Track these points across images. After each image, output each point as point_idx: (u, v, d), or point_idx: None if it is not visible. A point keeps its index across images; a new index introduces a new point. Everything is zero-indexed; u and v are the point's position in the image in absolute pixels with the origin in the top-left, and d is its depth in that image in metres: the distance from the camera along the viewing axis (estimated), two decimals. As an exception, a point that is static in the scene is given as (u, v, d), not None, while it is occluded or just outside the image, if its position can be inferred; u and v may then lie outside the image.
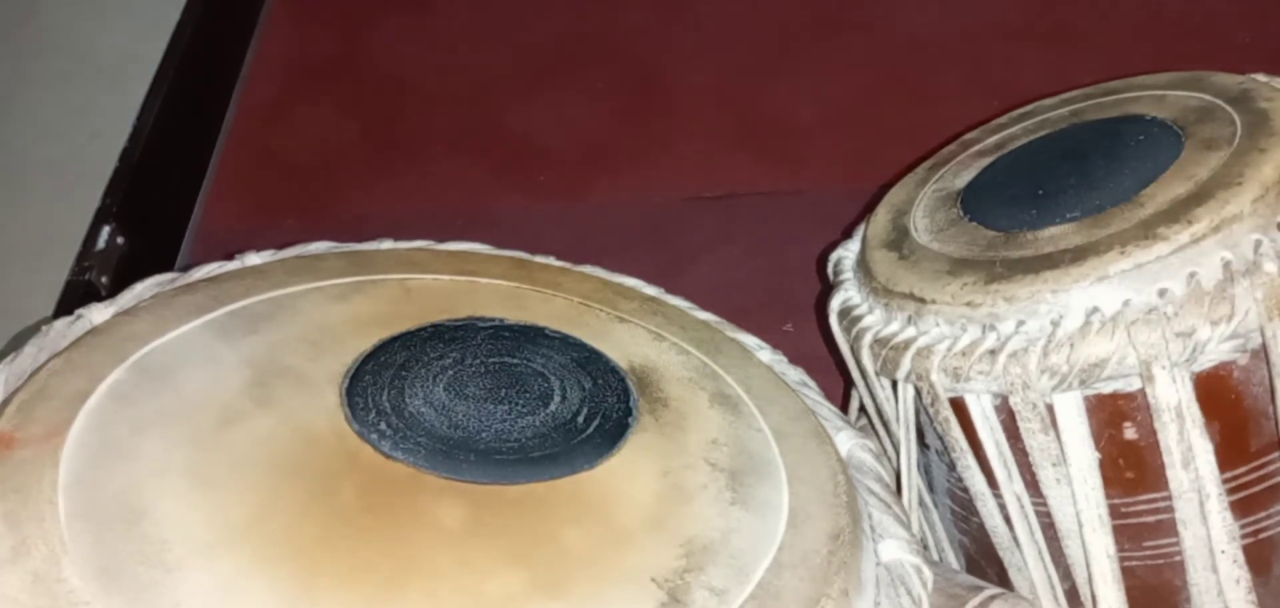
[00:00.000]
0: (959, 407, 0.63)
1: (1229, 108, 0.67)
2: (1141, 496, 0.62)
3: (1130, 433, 0.61)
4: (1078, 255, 0.61)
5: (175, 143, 1.17)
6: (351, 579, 0.46)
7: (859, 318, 0.69)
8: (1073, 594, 0.64)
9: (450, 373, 0.57)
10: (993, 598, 0.61)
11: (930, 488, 0.72)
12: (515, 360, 0.59)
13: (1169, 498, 0.60)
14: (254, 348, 0.56)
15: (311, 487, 0.49)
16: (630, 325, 0.65)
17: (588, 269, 0.71)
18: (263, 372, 0.55)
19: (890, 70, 1.18)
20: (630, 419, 0.57)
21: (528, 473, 0.52)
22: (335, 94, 1.24)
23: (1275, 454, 0.61)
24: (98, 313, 0.58)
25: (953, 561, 0.73)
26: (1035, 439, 0.61)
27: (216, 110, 1.24)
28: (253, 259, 0.65)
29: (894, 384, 0.67)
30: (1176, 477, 0.60)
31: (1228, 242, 0.58)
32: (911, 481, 0.69)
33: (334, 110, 1.23)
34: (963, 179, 0.74)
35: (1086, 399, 0.60)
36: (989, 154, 0.75)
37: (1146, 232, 0.60)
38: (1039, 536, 0.64)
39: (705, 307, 0.70)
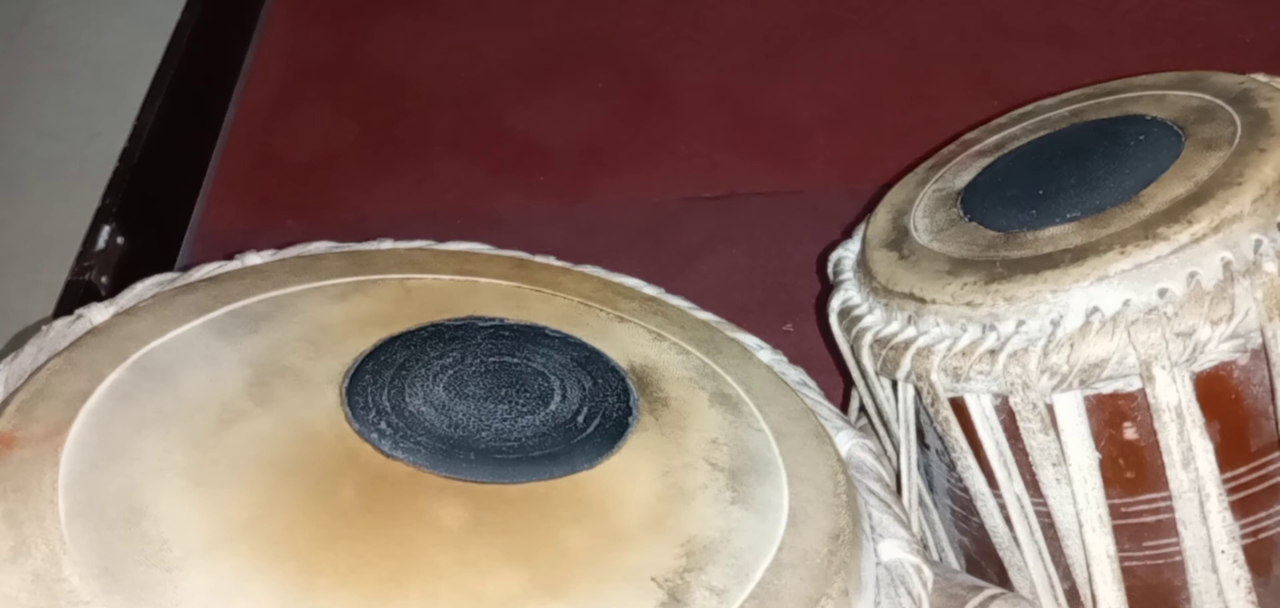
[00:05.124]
0: (959, 407, 0.63)
1: (1229, 108, 0.67)
2: (1141, 496, 0.62)
3: (1130, 433, 0.61)
4: (1078, 255, 0.61)
5: (175, 143, 1.17)
6: (351, 579, 0.46)
7: (859, 318, 0.69)
8: (1073, 594, 0.64)
9: (450, 372, 0.57)
10: (993, 598, 0.61)
11: (930, 488, 0.72)
12: (515, 360, 0.59)
13: (1169, 498, 0.60)
14: (254, 348, 0.56)
15: (311, 486, 0.49)
16: (630, 325, 0.65)
17: (588, 269, 0.71)
18: (263, 371, 0.55)
19: (890, 70, 1.18)
20: (630, 419, 0.57)
21: (528, 472, 0.52)
22: (335, 94, 1.24)
23: (1275, 454, 0.61)
24: (98, 313, 0.57)
25: (953, 561, 0.73)
26: (1035, 439, 0.61)
27: (216, 110, 1.24)
28: (253, 259, 0.65)
29: (894, 384, 0.67)
30: (1176, 477, 0.59)
31: (1228, 242, 0.58)
32: (911, 481, 0.69)
33: (334, 110, 1.23)
34: (963, 179, 0.74)
35: (1086, 399, 0.60)
36: (989, 154, 0.75)
37: (1146, 232, 0.60)
38: (1039, 536, 0.64)
39: (705, 307, 0.70)
